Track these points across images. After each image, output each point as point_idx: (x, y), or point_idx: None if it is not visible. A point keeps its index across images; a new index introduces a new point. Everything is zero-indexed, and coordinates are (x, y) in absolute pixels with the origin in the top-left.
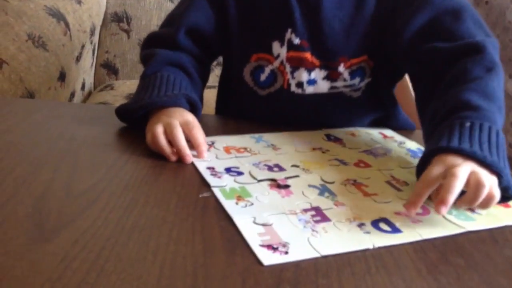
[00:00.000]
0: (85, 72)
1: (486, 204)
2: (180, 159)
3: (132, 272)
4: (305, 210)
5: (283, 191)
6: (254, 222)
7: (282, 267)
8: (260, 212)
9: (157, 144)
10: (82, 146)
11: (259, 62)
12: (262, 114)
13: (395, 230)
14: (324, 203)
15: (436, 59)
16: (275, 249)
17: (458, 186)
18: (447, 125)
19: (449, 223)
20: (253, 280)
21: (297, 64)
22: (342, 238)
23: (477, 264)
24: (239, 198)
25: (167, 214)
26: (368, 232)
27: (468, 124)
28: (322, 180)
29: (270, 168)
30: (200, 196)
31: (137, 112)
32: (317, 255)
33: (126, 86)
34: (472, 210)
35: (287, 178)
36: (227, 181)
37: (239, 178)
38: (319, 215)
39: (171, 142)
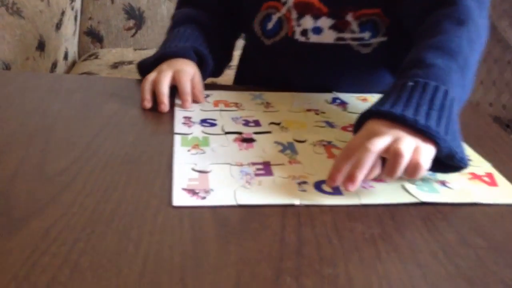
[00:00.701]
0: (67, 41)
1: (412, 174)
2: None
3: (110, 267)
4: (253, 163)
5: (244, 144)
6: (193, 169)
7: (281, 256)
8: (205, 160)
9: (141, 88)
10: (57, 121)
11: (268, 11)
12: (266, 66)
13: (337, 192)
14: (278, 159)
15: (419, 11)
16: (195, 193)
17: (367, 160)
18: (392, 86)
19: (403, 191)
20: (249, 272)
21: (303, 10)
22: (270, 192)
23: (499, 244)
24: (195, 146)
25: (151, 198)
26: (304, 190)
27: (410, 83)
28: (293, 139)
29: (246, 123)
30: None
31: (152, 64)
32: (233, 203)
33: (112, 54)
34: (443, 183)
35: (255, 133)
36: (195, 130)
37: (208, 129)
38: (265, 169)
39: (154, 88)
